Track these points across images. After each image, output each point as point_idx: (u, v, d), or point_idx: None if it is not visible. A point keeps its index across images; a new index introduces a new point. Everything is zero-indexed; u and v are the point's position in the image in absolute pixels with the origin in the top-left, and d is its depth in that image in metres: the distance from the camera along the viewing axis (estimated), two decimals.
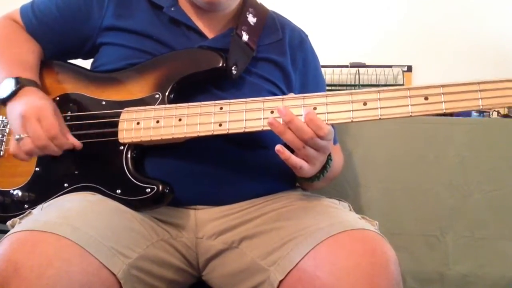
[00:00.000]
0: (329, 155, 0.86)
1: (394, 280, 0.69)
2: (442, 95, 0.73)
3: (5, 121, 0.99)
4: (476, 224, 1.27)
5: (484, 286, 1.25)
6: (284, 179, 0.95)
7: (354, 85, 2.27)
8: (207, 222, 0.90)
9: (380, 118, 0.76)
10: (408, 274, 1.27)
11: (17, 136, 0.85)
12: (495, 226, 1.26)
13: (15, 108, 0.86)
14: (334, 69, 2.25)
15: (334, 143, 1.07)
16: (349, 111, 0.78)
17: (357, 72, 2.27)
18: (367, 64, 2.26)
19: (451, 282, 1.26)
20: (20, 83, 0.89)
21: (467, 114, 1.46)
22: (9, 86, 0.89)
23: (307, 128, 0.76)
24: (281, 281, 0.73)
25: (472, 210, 1.27)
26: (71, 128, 0.90)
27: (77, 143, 0.88)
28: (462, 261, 1.26)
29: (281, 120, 0.78)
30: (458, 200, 1.27)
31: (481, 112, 1.48)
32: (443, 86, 0.74)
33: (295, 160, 0.79)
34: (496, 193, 1.26)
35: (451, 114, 1.46)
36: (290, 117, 0.77)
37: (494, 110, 1.65)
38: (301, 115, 0.78)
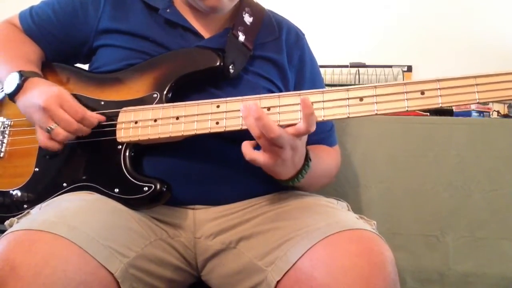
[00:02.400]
0: (307, 159, 0.85)
1: (391, 280, 0.68)
2: (439, 90, 0.73)
3: (5, 122, 0.99)
4: (476, 224, 1.26)
5: (484, 286, 1.24)
6: None
7: (354, 85, 2.26)
8: (205, 222, 0.90)
9: (376, 114, 0.76)
10: (408, 274, 1.27)
11: (48, 128, 0.85)
12: (495, 226, 1.26)
13: (31, 102, 0.87)
14: (334, 69, 2.25)
15: (332, 144, 1.07)
16: (345, 106, 0.77)
17: (357, 72, 2.27)
18: (367, 64, 2.26)
19: (451, 282, 1.26)
20: (24, 76, 0.90)
21: (467, 114, 1.46)
22: (13, 80, 0.89)
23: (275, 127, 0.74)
24: (278, 282, 0.72)
25: (472, 210, 1.26)
26: None
27: (102, 117, 0.89)
28: (462, 261, 1.26)
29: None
30: (458, 200, 1.27)
31: (481, 112, 1.47)
32: (439, 80, 0.74)
33: (250, 155, 0.79)
34: (496, 193, 1.26)
35: (451, 114, 1.46)
36: (259, 114, 0.74)
37: (494, 110, 1.64)
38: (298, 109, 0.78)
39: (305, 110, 0.75)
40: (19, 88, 0.89)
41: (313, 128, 0.76)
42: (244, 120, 0.78)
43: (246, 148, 0.79)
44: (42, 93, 0.86)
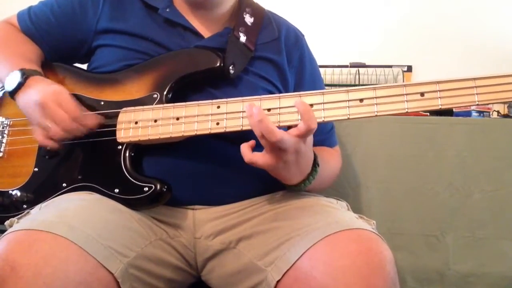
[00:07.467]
0: (316, 164, 0.85)
1: (391, 280, 0.68)
2: (438, 92, 0.74)
3: (5, 122, 0.99)
4: (476, 224, 1.26)
5: (484, 286, 1.25)
6: None
7: (354, 85, 2.26)
8: (205, 222, 0.90)
9: (376, 115, 0.76)
10: (408, 274, 1.27)
11: (45, 125, 0.85)
12: (495, 226, 1.26)
13: (29, 98, 0.87)
14: (334, 69, 2.24)
15: (333, 145, 1.07)
16: (346, 107, 0.78)
17: (357, 72, 2.27)
18: (367, 64, 2.26)
19: (451, 282, 1.26)
20: (26, 74, 0.89)
21: (467, 114, 1.46)
22: (15, 78, 0.89)
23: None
24: (278, 281, 0.72)
25: (472, 210, 1.27)
26: None
27: (101, 118, 0.89)
28: (462, 261, 1.26)
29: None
30: (458, 200, 1.27)
31: (481, 112, 1.47)
32: (439, 82, 0.74)
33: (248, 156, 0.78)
34: (496, 193, 1.26)
35: (451, 114, 1.46)
36: (261, 117, 0.74)
37: (494, 110, 1.65)
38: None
39: (300, 107, 0.75)
40: (20, 86, 0.89)
41: (314, 125, 0.75)
42: (248, 119, 0.77)
43: (245, 149, 0.79)
44: (41, 90, 0.86)
